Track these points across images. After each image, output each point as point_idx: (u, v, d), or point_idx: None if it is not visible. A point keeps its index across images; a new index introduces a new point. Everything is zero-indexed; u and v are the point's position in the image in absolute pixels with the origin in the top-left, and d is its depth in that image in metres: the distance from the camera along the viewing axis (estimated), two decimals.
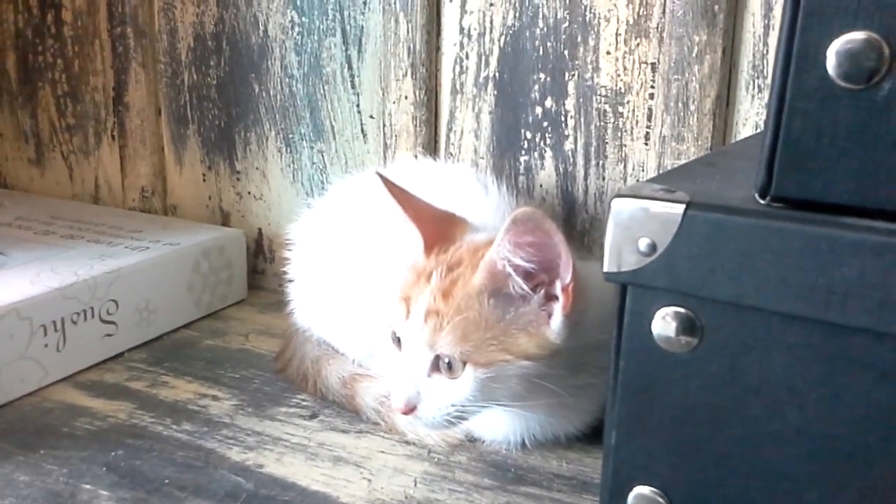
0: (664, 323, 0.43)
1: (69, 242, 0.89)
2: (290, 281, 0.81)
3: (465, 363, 0.57)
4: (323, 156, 0.96)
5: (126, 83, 1.03)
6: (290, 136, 0.97)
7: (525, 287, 0.56)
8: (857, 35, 0.36)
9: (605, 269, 0.44)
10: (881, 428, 0.39)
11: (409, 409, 0.58)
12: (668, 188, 0.43)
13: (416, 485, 0.61)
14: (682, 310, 0.42)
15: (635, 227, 0.42)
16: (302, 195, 0.98)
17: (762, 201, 0.41)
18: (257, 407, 0.72)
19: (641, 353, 0.44)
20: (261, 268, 1.04)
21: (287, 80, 0.95)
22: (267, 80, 0.96)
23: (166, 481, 0.60)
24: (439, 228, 0.62)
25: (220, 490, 0.59)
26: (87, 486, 0.59)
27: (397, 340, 0.61)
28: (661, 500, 0.45)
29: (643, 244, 0.42)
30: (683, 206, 0.41)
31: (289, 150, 0.97)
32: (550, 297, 0.57)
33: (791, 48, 0.38)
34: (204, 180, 1.04)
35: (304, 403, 0.73)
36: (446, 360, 0.57)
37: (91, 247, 0.88)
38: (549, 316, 0.57)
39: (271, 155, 0.99)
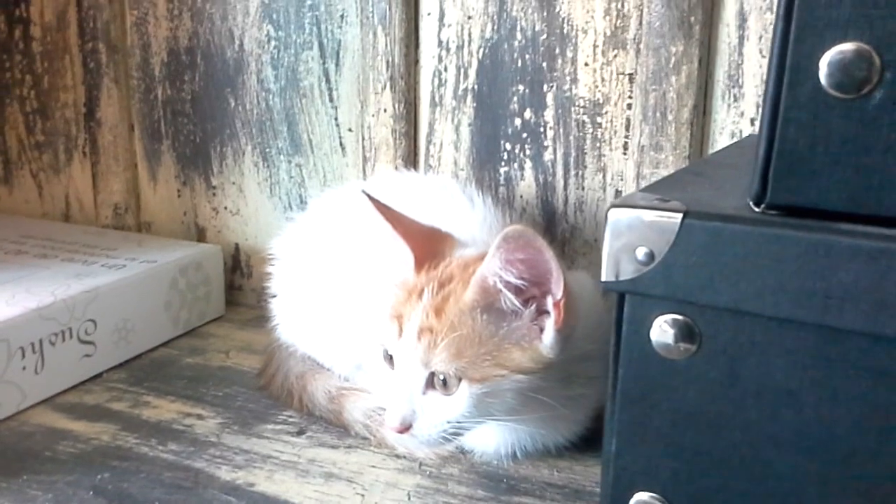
0: (662, 330, 0.43)
1: (42, 262, 0.87)
2: (273, 296, 0.80)
3: (460, 379, 0.57)
4: (301, 170, 0.95)
5: (98, 99, 1.02)
6: (267, 150, 0.96)
7: (516, 303, 0.57)
8: (848, 46, 0.37)
9: (604, 279, 0.44)
10: (878, 428, 0.40)
11: (405, 428, 0.58)
12: (663, 198, 0.44)
13: (409, 498, 0.61)
14: (680, 317, 0.43)
15: (633, 237, 0.43)
16: (280, 209, 0.98)
17: (757, 209, 0.42)
18: (243, 425, 0.72)
19: (640, 360, 0.45)
20: (238, 283, 1.03)
21: (264, 93, 0.94)
22: (243, 95, 0.95)
23: (156, 503, 0.59)
24: (428, 244, 0.62)
25: None
26: None
27: (389, 358, 0.61)
28: None
29: (641, 253, 0.43)
30: (681, 215, 0.41)
31: (266, 165, 0.97)
32: (542, 312, 0.57)
33: (784, 60, 0.39)
34: (179, 196, 1.03)
35: (291, 420, 0.73)
36: (441, 377, 0.57)
37: (66, 266, 0.86)
38: (541, 330, 0.57)
39: (248, 169, 0.98)
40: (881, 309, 0.38)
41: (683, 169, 0.59)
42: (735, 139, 0.78)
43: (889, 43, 0.37)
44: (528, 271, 0.56)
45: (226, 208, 1.01)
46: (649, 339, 0.44)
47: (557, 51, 0.82)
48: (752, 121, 0.78)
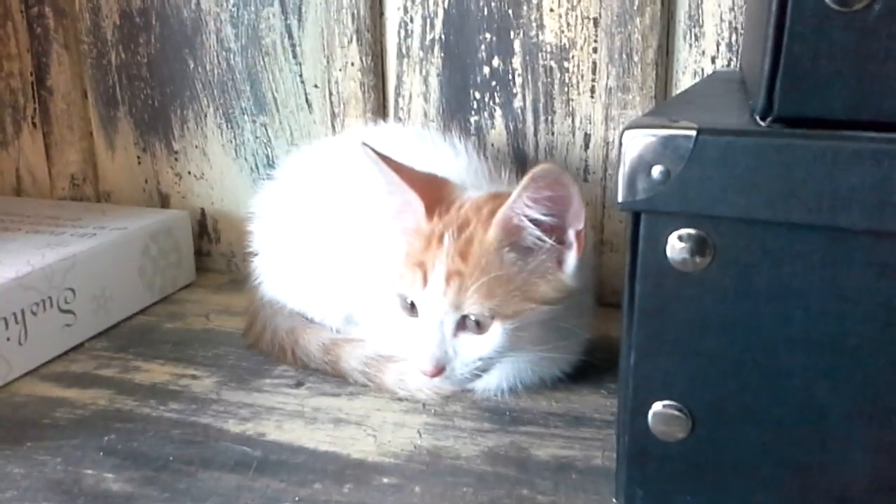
0: (678, 245, 0.46)
1: (7, 235, 0.85)
2: (255, 254, 0.80)
3: (492, 318, 0.59)
4: (267, 129, 0.95)
5: (47, 66, 0.98)
6: (231, 111, 0.95)
7: (544, 237, 0.59)
8: None
9: (621, 199, 0.46)
10: (883, 320, 0.43)
11: (439, 371, 0.60)
12: (672, 118, 0.46)
13: (420, 436, 0.62)
14: (694, 231, 0.45)
15: (649, 157, 0.45)
16: (246, 171, 0.97)
17: (762, 123, 0.44)
18: (240, 381, 0.72)
19: (657, 276, 0.47)
20: (206, 249, 1.02)
21: (224, 53, 0.93)
22: (202, 55, 0.94)
23: (171, 458, 0.59)
24: (432, 191, 0.63)
25: (228, 461, 0.59)
26: (89, 472, 0.58)
27: (409, 307, 0.62)
28: (680, 413, 0.49)
29: (657, 171, 0.45)
30: (695, 132, 0.44)
31: (230, 126, 0.96)
32: (561, 243, 0.60)
33: None
34: (139, 163, 1.01)
35: (287, 374, 0.73)
36: (474, 319, 0.59)
37: (33, 237, 0.84)
38: (560, 262, 0.59)
39: (211, 132, 0.97)
40: (884, 207, 0.41)
41: (670, 100, 0.62)
42: (697, 77, 0.81)
43: None
44: (554, 206, 0.58)
45: (189, 173, 0.99)
46: (665, 255, 0.46)
47: None
48: (713, 59, 0.80)
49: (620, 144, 0.46)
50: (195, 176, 0.99)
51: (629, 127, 0.45)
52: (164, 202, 1.01)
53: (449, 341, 0.60)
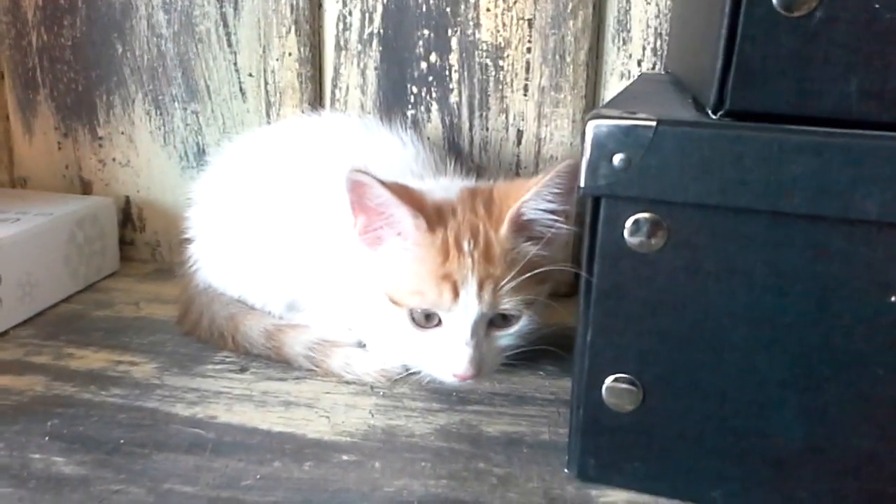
0: (635, 228, 0.49)
1: None
2: (192, 241, 0.79)
3: (521, 311, 0.61)
4: (198, 116, 0.94)
5: None
6: (160, 97, 0.93)
7: (556, 222, 0.61)
8: None
9: (583, 184, 0.49)
10: (817, 296, 0.48)
11: (477, 373, 0.61)
12: (630, 110, 0.49)
13: (372, 416, 0.64)
14: (650, 215, 0.49)
15: (611, 145, 0.48)
16: (175, 159, 0.95)
17: (714, 116, 0.48)
18: (182, 367, 0.71)
19: (614, 257, 0.50)
20: (130, 238, 0.99)
21: (155, 39, 0.91)
22: (132, 40, 0.92)
23: (121, 441, 0.59)
24: (420, 203, 0.62)
25: (182, 442, 0.59)
26: (37, 456, 0.56)
27: (425, 319, 0.62)
28: (632, 386, 0.52)
29: (617, 159, 0.48)
30: (655, 123, 0.47)
31: (159, 113, 0.94)
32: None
33: None
34: (59, 148, 0.97)
35: (229, 359, 0.73)
36: (503, 316, 0.61)
37: None
38: (557, 240, 0.63)
39: (138, 118, 0.95)
40: (822, 194, 0.45)
41: (617, 96, 0.65)
42: (624, 79, 0.86)
43: None
44: (565, 195, 0.61)
45: (114, 160, 0.97)
46: (623, 237, 0.50)
47: None
48: (639, 62, 0.85)
49: (583, 133, 0.49)
50: (120, 163, 0.97)
51: (593, 117, 0.49)
52: (85, 189, 0.98)
53: (482, 342, 0.61)
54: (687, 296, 0.50)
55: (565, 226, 0.62)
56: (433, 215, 0.61)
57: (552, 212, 0.61)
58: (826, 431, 0.50)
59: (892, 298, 0.46)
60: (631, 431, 0.53)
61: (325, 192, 0.69)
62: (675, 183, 0.48)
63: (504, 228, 0.61)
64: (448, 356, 0.61)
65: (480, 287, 0.59)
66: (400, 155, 0.73)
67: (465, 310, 0.60)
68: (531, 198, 0.60)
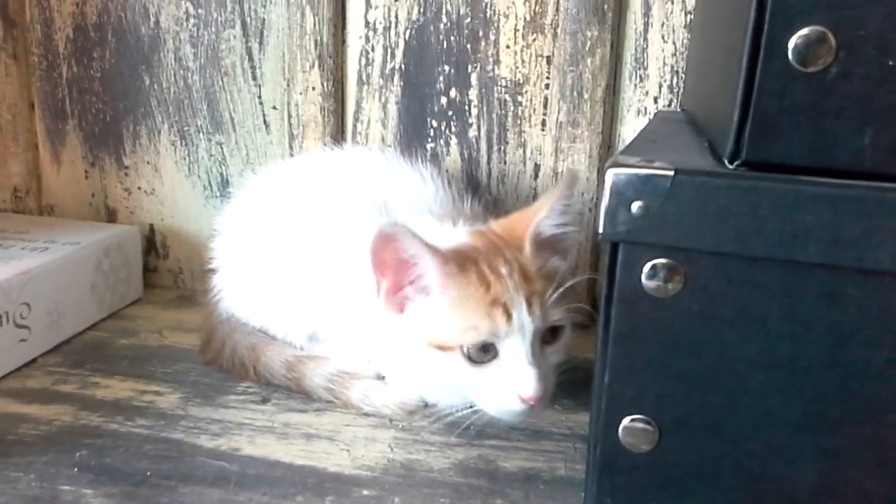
0: (652, 273, 0.50)
1: None
2: (216, 271, 0.81)
3: (565, 320, 0.63)
4: (222, 147, 0.96)
5: None
6: (186, 128, 0.96)
7: (570, 231, 0.65)
8: (812, 29, 0.45)
9: (602, 231, 0.50)
10: (831, 342, 0.49)
11: (543, 392, 0.61)
12: (647, 159, 0.51)
13: (392, 450, 0.65)
14: (667, 261, 0.50)
15: (630, 193, 0.49)
16: (199, 188, 0.97)
17: (730, 166, 0.49)
18: (205, 398, 0.73)
19: (632, 301, 0.51)
20: (153, 265, 1.01)
21: (182, 71, 0.94)
22: (159, 73, 0.94)
23: (148, 473, 0.60)
24: (443, 252, 0.63)
25: (207, 475, 0.60)
26: (66, 488, 0.58)
27: (481, 352, 0.61)
28: (649, 427, 0.53)
29: (636, 207, 0.49)
30: (672, 172, 0.48)
31: (184, 143, 0.96)
32: None
33: (758, 40, 0.46)
34: (86, 177, 1.00)
35: (251, 390, 0.74)
36: (552, 329, 0.63)
37: None
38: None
39: (164, 148, 0.97)
40: (837, 243, 0.46)
41: (636, 138, 0.67)
42: (641, 116, 0.88)
43: (843, 27, 0.45)
44: (572, 205, 0.65)
45: (139, 188, 0.99)
46: (640, 281, 0.51)
47: (481, 34, 0.88)
48: (656, 99, 0.87)
49: (603, 181, 0.50)
50: (145, 192, 0.99)
51: (612, 165, 0.50)
52: (110, 217, 1.00)
53: (541, 361, 0.62)
54: (703, 340, 0.51)
55: (575, 232, 0.66)
56: (457, 259, 0.62)
57: (565, 224, 0.64)
58: (840, 475, 0.51)
59: None
60: (647, 471, 0.54)
61: (345, 226, 0.71)
62: (691, 231, 0.49)
63: (527, 248, 0.63)
64: (512, 382, 0.60)
65: (529, 303, 0.61)
66: (420, 192, 0.75)
67: (522, 328, 0.61)
68: (546, 216, 0.63)
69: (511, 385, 0.61)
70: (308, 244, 0.74)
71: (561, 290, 0.62)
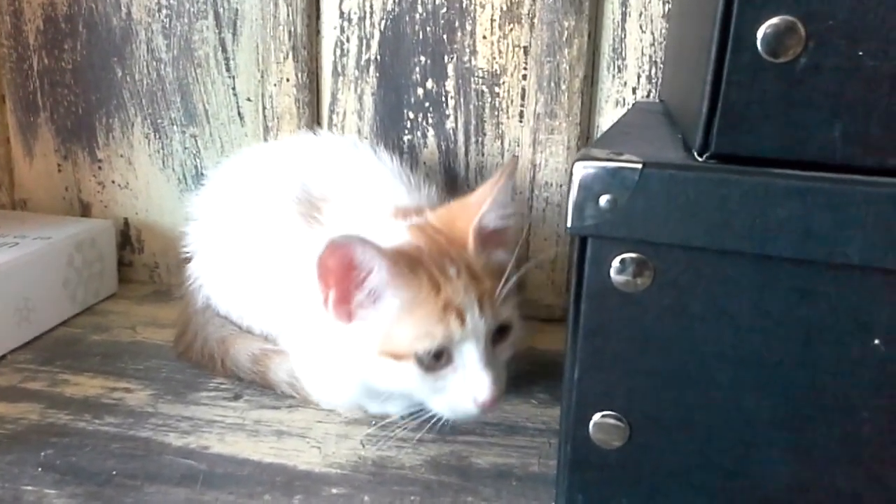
0: (621, 267, 0.50)
1: None
2: (191, 257, 0.79)
3: (514, 315, 0.61)
4: (196, 140, 0.94)
5: None
6: (159, 121, 0.94)
7: (510, 220, 0.63)
8: (781, 19, 0.44)
9: (570, 225, 0.49)
10: (802, 338, 0.48)
11: (500, 394, 0.59)
12: (616, 151, 0.50)
13: (363, 446, 0.64)
14: (636, 255, 0.49)
15: (597, 187, 0.48)
16: (174, 181, 0.96)
17: (700, 159, 0.48)
18: (176, 394, 0.72)
19: (601, 296, 0.51)
20: (128, 259, 1.00)
21: (154, 63, 0.92)
22: (132, 65, 0.93)
23: (114, 473, 0.59)
24: (390, 253, 0.61)
25: (174, 474, 0.59)
26: (29, 488, 0.57)
27: (434, 359, 0.59)
28: (620, 423, 0.52)
29: (604, 200, 0.48)
30: (640, 165, 0.48)
31: (157, 136, 0.95)
32: None
33: (727, 31, 0.45)
34: (59, 171, 0.98)
35: (223, 386, 0.74)
36: (500, 326, 0.61)
37: None
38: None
39: (137, 141, 0.95)
40: (807, 238, 0.46)
41: (609, 130, 0.66)
42: (619, 106, 0.87)
43: (812, 17, 0.44)
44: (512, 194, 0.63)
45: (113, 182, 0.97)
46: (609, 276, 0.50)
47: (457, 24, 0.86)
48: (634, 90, 0.86)
49: (570, 174, 0.49)
50: (119, 185, 0.97)
51: (580, 159, 0.49)
52: (84, 211, 0.99)
53: (494, 362, 0.60)
54: (673, 335, 0.50)
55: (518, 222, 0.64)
56: (406, 260, 0.59)
57: (508, 215, 0.63)
58: (812, 471, 0.50)
59: (876, 342, 0.47)
60: (618, 467, 0.53)
61: (275, 222, 0.70)
62: (660, 224, 0.48)
63: (471, 244, 0.61)
64: (468, 387, 0.59)
65: (480, 304, 0.59)
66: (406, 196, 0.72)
67: (475, 331, 0.59)
68: (489, 208, 0.61)
69: (467, 390, 0.59)
70: (262, 232, 0.72)
71: (509, 285, 0.60)
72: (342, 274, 0.59)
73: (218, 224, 0.77)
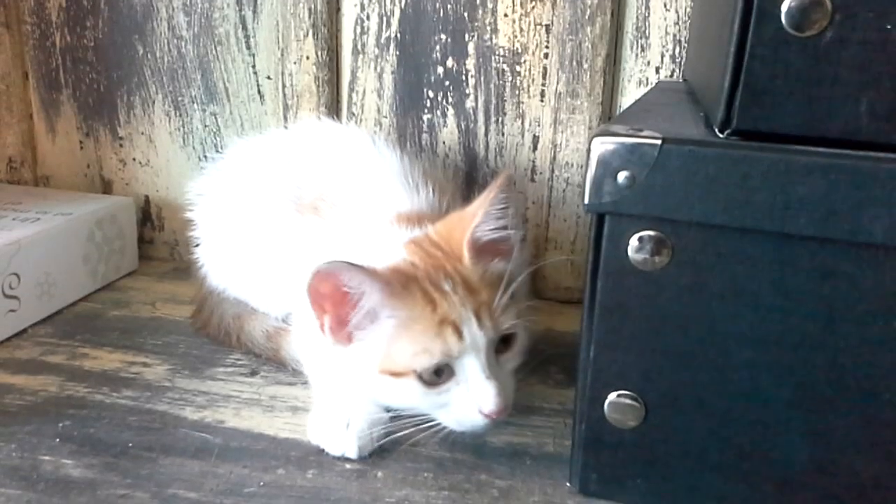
0: (639, 245, 0.49)
1: None
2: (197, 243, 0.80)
3: (517, 324, 0.60)
4: (216, 118, 0.94)
5: None
6: (180, 98, 0.94)
7: (510, 232, 0.61)
8: None
9: (587, 202, 0.49)
10: (823, 318, 0.47)
11: (507, 405, 0.58)
12: (637, 127, 0.49)
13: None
14: (654, 233, 0.49)
15: (616, 163, 0.48)
16: (194, 159, 0.96)
17: (721, 135, 0.48)
18: (193, 370, 0.72)
19: (618, 274, 0.50)
20: (149, 237, 1.01)
21: (175, 41, 0.92)
22: (153, 42, 0.93)
23: (129, 444, 0.60)
24: (382, 274, 0.59)
25: (189, 447, 0.59)
26: (47, 458, 0.57)
27: (435, 374, 0.58)
28: (635, 402, 0.52)
29: (622, 177, 0.48)
30: (660, 141, 0.47)
31: (178, 114, 0.95)
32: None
33: (750, 3, 0.44)
34: (81, 148, 0.99)
35: (241, 362, 0.74)
36: (505, 336, 0.59)
37: None
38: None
39: (158, 119, 0.96)
40: (830, 216, 0.45)
41: (629, 109, 0.65)
42: (642, 86, 0.85)
43: None
44: (509, 206, 0.60)
45: (134, 159, 0.98)
46: (626, 254, 0.49)
47: (478, 2, 0.85)
48: (657, 69, 0.85)
49: (589, 150, 0.49)
50: (140, 163, 0.98)
51: (598, 134, 0.48)
52: (106, 188, 1.00)
53: (498, 372, 0.59)
54: (691, 314, 0.49)
55: (516, 232, 0.62)
56: (399, 279, 0.58)
57: (502, 227, 0.61)
58: (830, 453, 0.49)
59: None
60: (633, 447, 0.53)
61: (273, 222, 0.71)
62: (679, 201, 0.47)
63: (466, 257, 0.60)
64: (473, 399, 0.57)
65: (478, 316, 0.58)
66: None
67: (475, 344, 0.58)
68: (481, 220, 0.60)
69: (472, 402, 0.58)
70: (279, 218, 0.72)
71: (508, 293, 0.59)
72: (335, 300, 0.58)
73: (218, 224, 0.78)
